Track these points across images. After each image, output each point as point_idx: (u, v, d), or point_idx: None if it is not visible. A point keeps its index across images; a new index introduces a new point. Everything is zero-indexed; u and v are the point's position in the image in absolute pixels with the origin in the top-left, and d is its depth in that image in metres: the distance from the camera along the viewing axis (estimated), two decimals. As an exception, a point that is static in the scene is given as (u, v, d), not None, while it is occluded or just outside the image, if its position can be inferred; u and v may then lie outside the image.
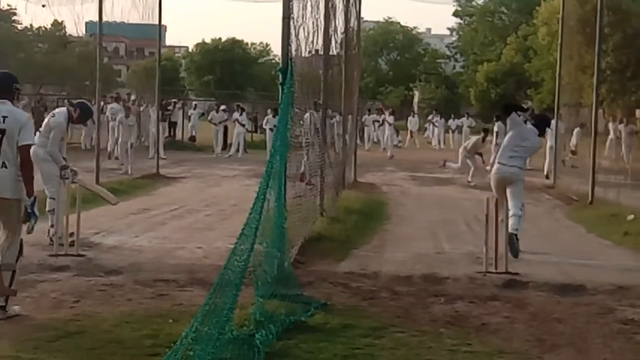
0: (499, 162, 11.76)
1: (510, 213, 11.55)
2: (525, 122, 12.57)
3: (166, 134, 32.53)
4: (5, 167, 7.69)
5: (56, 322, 7.53)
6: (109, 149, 26.50)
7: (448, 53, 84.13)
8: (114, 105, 29.39)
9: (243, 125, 33.41)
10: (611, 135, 28.50)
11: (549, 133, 14.12)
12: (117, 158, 24.76)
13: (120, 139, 24.64)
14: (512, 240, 10.97)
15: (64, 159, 11.02)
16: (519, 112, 12.42)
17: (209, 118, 35.40)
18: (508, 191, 11.65)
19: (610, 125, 28.92)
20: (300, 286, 9.00)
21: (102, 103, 22.32)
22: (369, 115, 40.66)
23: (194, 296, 8.46)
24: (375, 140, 39.01)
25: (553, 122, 21.51)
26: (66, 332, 7.21)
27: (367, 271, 10.23)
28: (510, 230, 11.15)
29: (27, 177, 7.78)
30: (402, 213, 16.43)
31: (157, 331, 7.23)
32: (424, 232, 13.80)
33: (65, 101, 18.30)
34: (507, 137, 12.00)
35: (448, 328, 7.79)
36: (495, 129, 24.94)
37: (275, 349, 6.76)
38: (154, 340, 6.93)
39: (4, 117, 7.60)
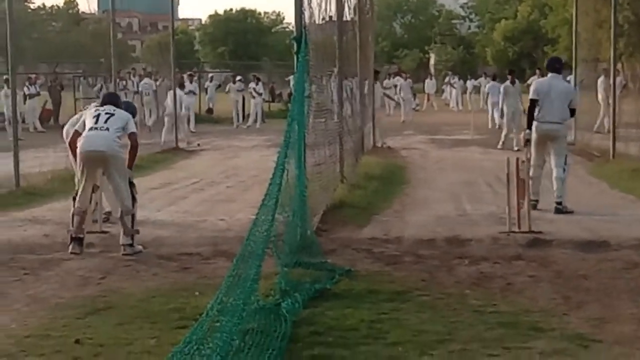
0: (539, 120, 11.74)
1: (554, 175, 11.72)
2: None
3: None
4: (107, 130, 9.53)
5: (84, 300, 7.62)
6: (147, 123, 27.97)
7: (463, 13, 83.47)
8: (147, 80, 29.95)
9: (260, 95, 33.36)
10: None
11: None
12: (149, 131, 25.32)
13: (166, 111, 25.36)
14: (560, 212, 11.35)
15: None
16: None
17: (226, 89, 35.26)
18: (551, 149, 11.73)
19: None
20: (323, 254, 9.04)
21: (117, 80, 22.40)
22: (390, 79, 39.73)
23: (218, 268, 8.52)
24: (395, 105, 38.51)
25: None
26: (94, 308, 7.29)
27: (389, 236, 10.26)
28: (555, 199, 11.50)
29: (132, 155, 9.96)
30: (422, 176, 16.40)
31: (183, 304, 7.30)
32: (445, 194, 13.76)
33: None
34: (540, 97, 11.93)
35: (473, 289, 7.82)
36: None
37: (301, 317, 6.80)
38: (181, 313, 6.99)
39: (114, 109, 9.82)
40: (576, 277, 8.20)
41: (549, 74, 12.21)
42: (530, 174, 11.38)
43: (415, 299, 7.47)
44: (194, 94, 30.78)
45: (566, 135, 12.14)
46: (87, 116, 9.80)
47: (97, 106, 10.08)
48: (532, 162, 11.59)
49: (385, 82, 38.06)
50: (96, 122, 9.60)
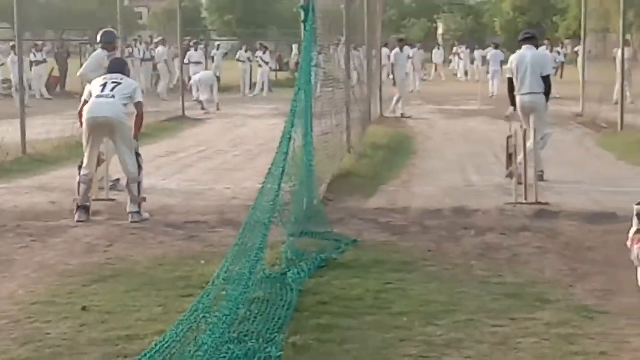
0: (518, 94, 11.72)
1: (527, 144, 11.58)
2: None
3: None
4: (114, 98, 9.55)
5: (91, 267, 7.63)
6: (159, 90, 28.90)
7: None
8: (160, 49, 30.28)
9: (267, 64, 33.27)
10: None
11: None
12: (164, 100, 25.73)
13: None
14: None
15: None
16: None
17: (237, 57, 35.00)
18: (531, 121, 11.66)
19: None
20: (330, 223, 9.03)
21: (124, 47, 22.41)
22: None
23: (225, 237, 8.50)
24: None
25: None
26: (101, 276, 7.30)
27: (396, 206, 10.26)
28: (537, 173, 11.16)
29: (138, 124, 9.94)
30: (430, 147, 16.38)
31: (189, 272, 7.32)
32: (452, 165, 13.73)
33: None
34: (514, 72, 11.90)
35: (479, 260, 7.82)
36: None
37: (307, 287, 6.81)
38: (187, 281, 7.01)
39: (121, 78, 9.88)
40: (583, 249, 8.19)
41: (523, 47, 12.12)
42: (527, 146, 11.36)
43: (421, 269, 7.48)
44: (199, 63, 30.73)
45: (546, 107, 12.01)
46: (94, 85, 9.78)
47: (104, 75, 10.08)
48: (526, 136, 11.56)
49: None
50: (102, 90, 9.63)
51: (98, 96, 9.63)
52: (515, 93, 11.76)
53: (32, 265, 7.71)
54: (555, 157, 11.95)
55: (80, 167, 9.77)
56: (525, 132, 10.91)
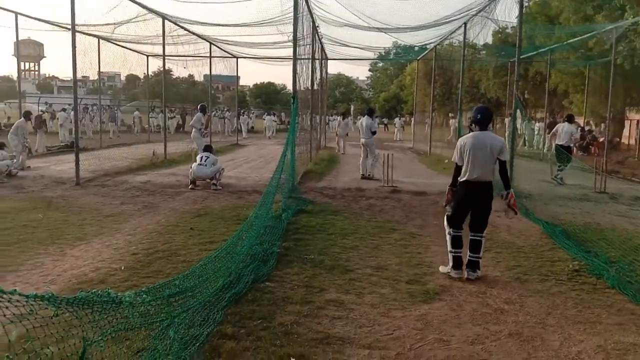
0: (362, 138, 11.05)
1: (368, 162, 11.24)
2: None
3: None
4: (208, 161, 9.25)
5: (194, 209, 7.56)
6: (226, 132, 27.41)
7: (365, 87, 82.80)
8: (227, 113, 29.95)
9: (275, 121, 32.96)
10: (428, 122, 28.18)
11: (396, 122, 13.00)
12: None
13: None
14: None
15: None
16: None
17: (263, 117, 34.46)
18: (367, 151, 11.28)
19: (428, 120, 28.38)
20: (301, 193, 9.01)
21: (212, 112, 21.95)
22: (332, 115, 39.25)
23: (255, 198, 8.45)
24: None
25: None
26: (198, 214, 7.24)
27: (330, 186, 10.22)
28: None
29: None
30: (346, 160, 16.36)
31: (239, 213, 7.26)
32: (356, 169, 13.74)
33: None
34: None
35: (366, 210, 7.86)
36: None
37: (291, 221, 6.79)
38: (238, 217, 6.96)
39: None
40: (411, 207, 8.26)
41: (366, 115, 11.31)
42: (369, 161, 11.12)
43: (341, 214, 7.49)
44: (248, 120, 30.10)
45: (373, 144, 11.24)
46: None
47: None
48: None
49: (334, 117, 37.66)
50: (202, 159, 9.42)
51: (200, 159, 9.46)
52: (361, 136, 11.22)
53: (167, 209, 7.62)
54: (399, 166, 11.99)
55: (191, 166, 9.64)
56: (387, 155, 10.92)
